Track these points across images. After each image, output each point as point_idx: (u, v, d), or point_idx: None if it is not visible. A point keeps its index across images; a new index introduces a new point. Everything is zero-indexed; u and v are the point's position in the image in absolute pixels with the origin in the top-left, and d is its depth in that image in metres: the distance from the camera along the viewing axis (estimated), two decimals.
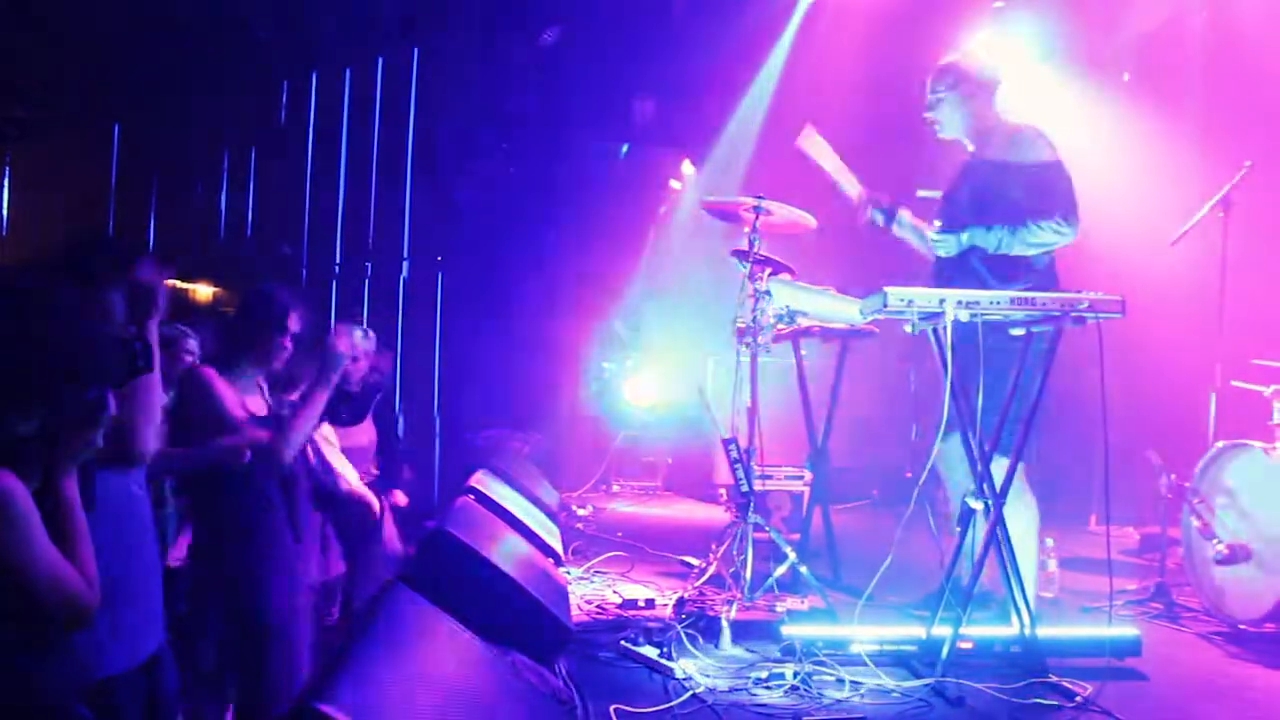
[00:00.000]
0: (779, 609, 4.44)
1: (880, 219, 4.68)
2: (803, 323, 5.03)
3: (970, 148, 4.54)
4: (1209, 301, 5.41)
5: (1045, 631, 3.83)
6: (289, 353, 3.69)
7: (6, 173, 11.70)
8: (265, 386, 3.69)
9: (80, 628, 1.97)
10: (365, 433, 5.30)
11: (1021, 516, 4.14)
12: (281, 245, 10.87)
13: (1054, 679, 3.59)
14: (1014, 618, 3.81)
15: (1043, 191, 4.21)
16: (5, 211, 11.51)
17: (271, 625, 3.38)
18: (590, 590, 5.03)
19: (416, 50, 10.38)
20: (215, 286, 11.38)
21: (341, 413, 4.92)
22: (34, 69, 9.63)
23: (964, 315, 3.79)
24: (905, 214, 4.68)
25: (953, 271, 4.34)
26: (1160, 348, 6.46)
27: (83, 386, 1.99)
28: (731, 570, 4.73)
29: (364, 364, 5.26)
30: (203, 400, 3.35)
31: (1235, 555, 4.45)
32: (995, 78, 4.52)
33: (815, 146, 4.85)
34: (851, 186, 4.77)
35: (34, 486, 1.92)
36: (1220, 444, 4.73)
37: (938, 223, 4.30)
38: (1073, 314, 3.78)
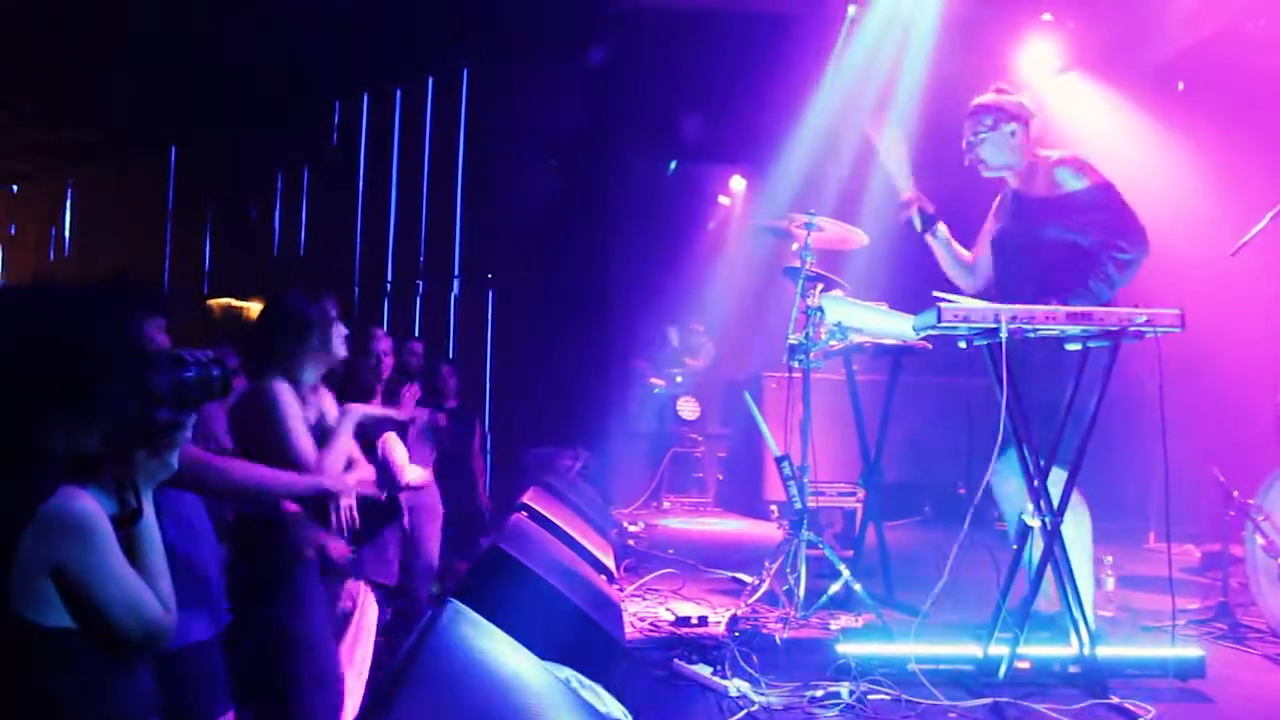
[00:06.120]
0: (833, 627, 4.41)
1: (919, 223, 4.67)
2: (855, 339, 5.00)
3: (1014, 184, 4.50)
4: (1272, 314, 5.31)
5: (1105, 651, 3.77)
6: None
7: (68, 195, 11.96)
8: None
9: (155, 649, 1.98)
10: None
11: (1071, 527, 4.09)
12: (334, 263, 11.00)
13: (1115, 700, 3.52)
14: (1073, 637, 3.75)
15: (1101, 217, 4.17)
16: (68, 232, 11.76)
17: (302, 638, 3.45)
18: (643, 607, 5.01)
19: (466, 70, 10.49)
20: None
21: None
22: (93, 96, 9.86)
23: (1019, 331, 3.75)
24: (943, 228, 4.66)
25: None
26: (1222, 362, 6.36)
27: (155, 406, 2.01)
28: (785, 587, 4.71)
29: (389, 361, 5.39)
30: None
31: None
32: (1032, 110, 4.51)
33: (886, 135, 4.86)
34: (905, 184, 4.76)
35: (112, 511, 1.94)
36: None
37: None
38: (1130, 328, 3.72)
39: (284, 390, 3.52)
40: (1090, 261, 4.14)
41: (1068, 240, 4.24)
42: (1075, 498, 4.12)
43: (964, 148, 4.51)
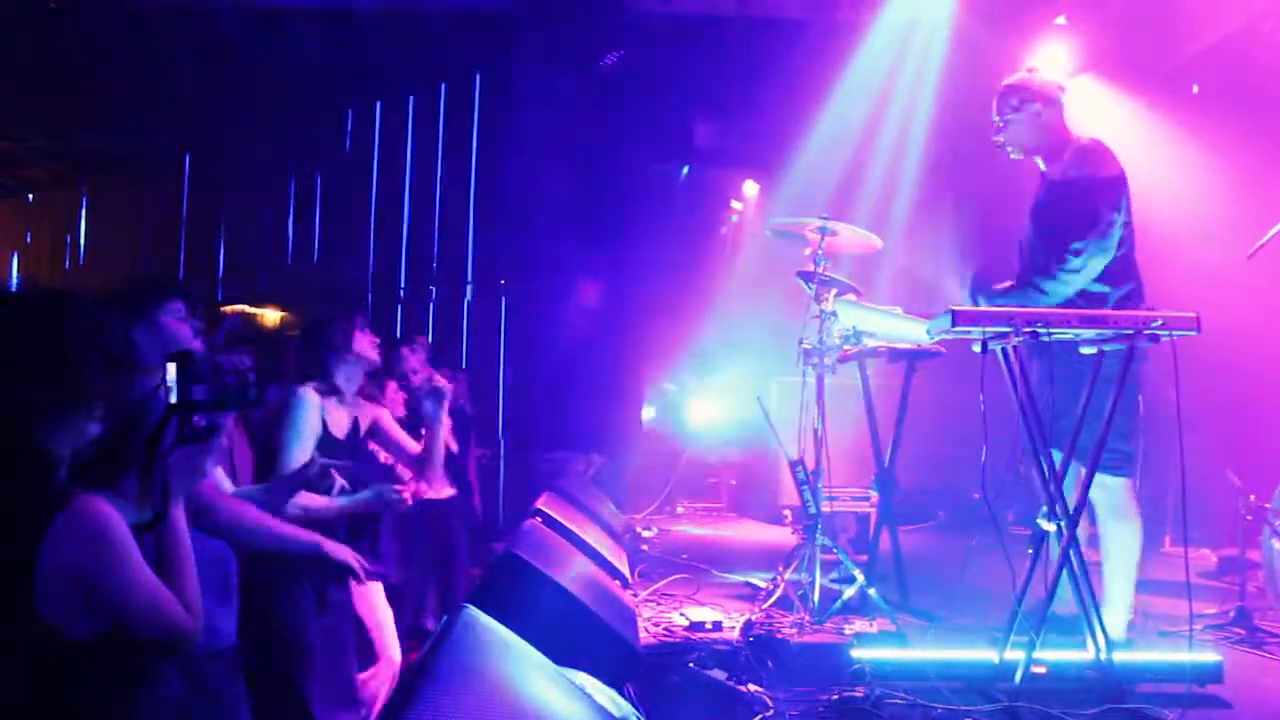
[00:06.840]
0: (848, 631, 4.40)
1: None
2: (869, 343, 4.99)
3: (1043, 167, 4.45)
4: None
5: (1122, 656, 3.74)
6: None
7: (84, 203, 12.02)
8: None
9: (180, 654, 1.98)
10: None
11: (1121, 536, 4.07)
12: (348, 270, 11.03)
13: (1133, 706, 3.50)
14: (1089, 641, 3.73)
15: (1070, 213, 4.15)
16: (83, 241, 11.82)
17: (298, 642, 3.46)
18: (657, 613, 5.00)
19: (478, 75, 10.51)
20: (282, 310, 11.61)
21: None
22: (108, 103, 9.92)
23: (1033, 334, 3.73)
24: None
25: None
26: (1238, 364, 6.32)
27: (192, 411, 2.01)
28: (799, 592, 4.70)
29: (423, 374, 5.38)
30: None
31: None
32: (1059, 91, 4.44)
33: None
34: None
35: (144, 516, 1.94)
36: None
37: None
38: (1146, 332, 3.70)
39: (310, 402, 3.56)
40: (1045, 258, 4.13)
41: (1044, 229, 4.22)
42: (1130, 507, 4.11)
43: (991, 131, 4.46)
